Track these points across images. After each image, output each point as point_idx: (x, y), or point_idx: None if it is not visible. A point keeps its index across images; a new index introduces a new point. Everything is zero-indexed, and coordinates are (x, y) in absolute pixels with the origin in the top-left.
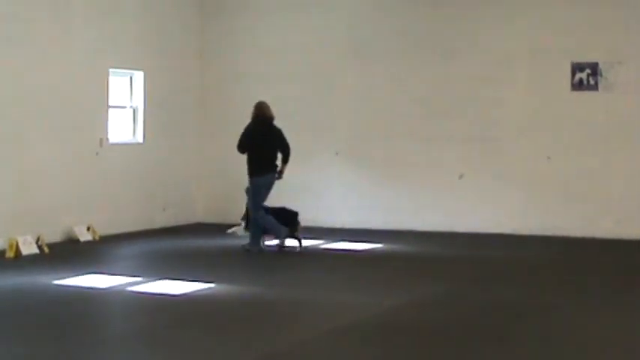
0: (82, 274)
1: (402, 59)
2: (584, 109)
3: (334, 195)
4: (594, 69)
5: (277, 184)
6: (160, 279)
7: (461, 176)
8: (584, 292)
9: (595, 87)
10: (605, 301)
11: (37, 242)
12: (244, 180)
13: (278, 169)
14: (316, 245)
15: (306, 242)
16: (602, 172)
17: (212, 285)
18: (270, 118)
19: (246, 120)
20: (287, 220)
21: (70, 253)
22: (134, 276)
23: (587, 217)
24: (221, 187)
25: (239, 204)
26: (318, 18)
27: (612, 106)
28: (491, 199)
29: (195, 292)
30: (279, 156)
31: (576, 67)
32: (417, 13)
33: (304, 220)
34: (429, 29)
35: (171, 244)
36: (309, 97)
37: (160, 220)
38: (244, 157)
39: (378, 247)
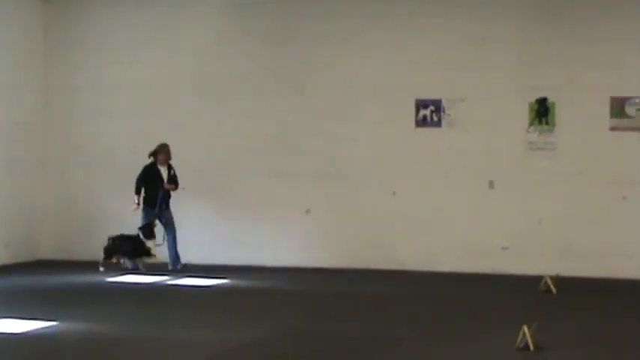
0: None
1: (250, 95)
2: (428, 145)
3: (180, 230)
4: (438, 106)
5: (122, 219)
6: None
7: (308, 211)
8: (428, 325)
9: (438, 123)
10: (448, 333)
11: None
12: (89, 216)
13: None
14: (162, 281)
15: (152, 278)
16: (445, 207)
17: (55, 323)
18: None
19: (92, 156)
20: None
21: None
22: None
23: (431, 251)
24: (66, 223)
25: (84, 240)
26: (164, 53)
27: (455, 142)
28: (337, 234)
29: (36, 330)
30: None
31: (420, 104)
32: (264, 49)
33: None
34: (277, 65)
35: (13, 282)
36: (156, 132)
37: (1, 258)
38: (90, 193)
39: (223, 283)
